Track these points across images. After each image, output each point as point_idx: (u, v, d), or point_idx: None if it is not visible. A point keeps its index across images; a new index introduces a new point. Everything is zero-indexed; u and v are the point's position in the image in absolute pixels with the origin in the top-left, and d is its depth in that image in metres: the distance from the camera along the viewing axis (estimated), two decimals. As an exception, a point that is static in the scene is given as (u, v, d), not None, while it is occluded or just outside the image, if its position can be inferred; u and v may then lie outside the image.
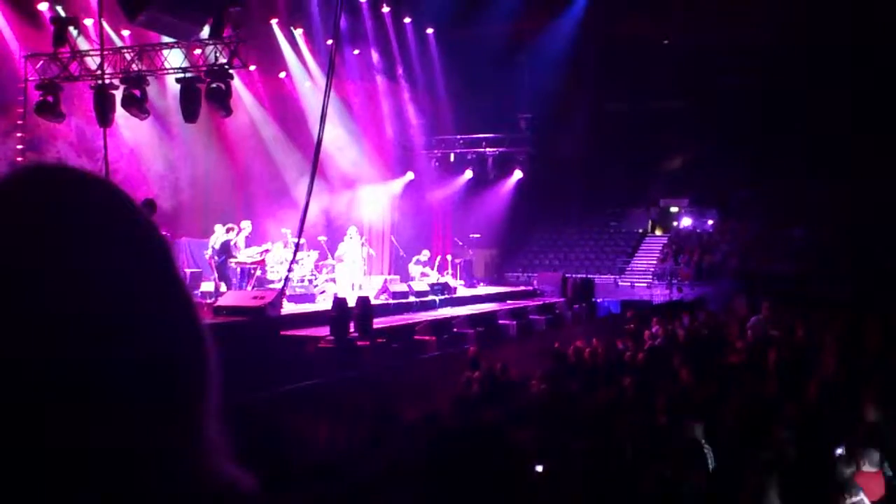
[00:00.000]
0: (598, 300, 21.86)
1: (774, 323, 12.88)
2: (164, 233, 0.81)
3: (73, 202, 0.74)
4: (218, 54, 14.63)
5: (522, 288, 22.51)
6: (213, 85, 14.41)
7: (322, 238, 17.75)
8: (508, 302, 19.19)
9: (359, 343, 11.87)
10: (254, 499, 0.76)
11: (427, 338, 13.52)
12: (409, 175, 24.50)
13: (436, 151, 25.47)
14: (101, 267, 0.71)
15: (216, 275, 14.73)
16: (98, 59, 14.76)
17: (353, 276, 17.09)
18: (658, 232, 31.84)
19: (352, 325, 11.98)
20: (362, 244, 17.98)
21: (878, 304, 15.15)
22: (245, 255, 15.03)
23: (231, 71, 14.56)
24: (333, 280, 16.95)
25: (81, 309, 0.68)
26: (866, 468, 5.11)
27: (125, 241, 0.75)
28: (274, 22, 19.92)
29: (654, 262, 28.14)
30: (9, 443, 0.65)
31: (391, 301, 15.80)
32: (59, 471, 0.65)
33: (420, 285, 17.25)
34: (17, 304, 0.67)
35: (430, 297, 16.78)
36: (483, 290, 21.35)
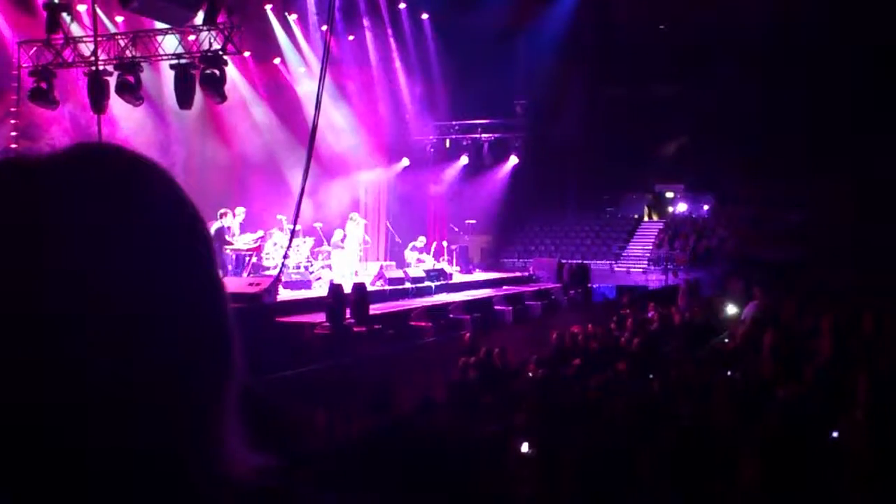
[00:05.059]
0: (594, 286, 21.92)
1: (770, 307, 12.88)
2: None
3: (134, 194, 0.71)
4: (212, 40, 14.57)
5: (518, 274, 22.51)
6: (208, 71, 14.37)
7: (318, 224, 17.75)
8: (504, 288, 19.21)
9: (355, 329, 11.89)
10: (275, 493, 0.74)
11: (423, 324, 13.54)
12: (405, 161, 24.46)
13: (431, 137, 25.40)
14: (155, 264, 0.68)
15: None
16: (92, 46, 14.69)
17: (349, 263, 17.09)
18: (654, 217, 31.89)
19: (348, 311, 12.00)
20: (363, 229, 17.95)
21: (875, 289, 15.16)
22: (241, 241, 15.02)
23: (225, 57, 14.51)
24: (329, 266, 16.96)
25: (125, 306, 0.65)
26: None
27: (179, 236, 0.72)
28: (268, 7, 19.83)
29: (650, 247, 28.15)
30: (22, 444, 0.61)
31: (387, 287, 15.81)
32: (72, 472, 0.62)
33: (416, 271, 17.25)
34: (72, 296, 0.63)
35: (426, 284, 16.79)
36: (479, 276, 21.35)
